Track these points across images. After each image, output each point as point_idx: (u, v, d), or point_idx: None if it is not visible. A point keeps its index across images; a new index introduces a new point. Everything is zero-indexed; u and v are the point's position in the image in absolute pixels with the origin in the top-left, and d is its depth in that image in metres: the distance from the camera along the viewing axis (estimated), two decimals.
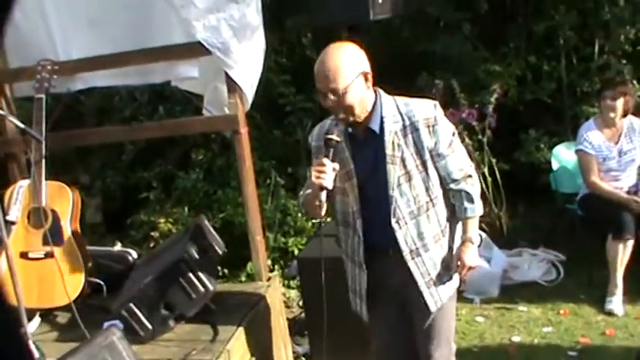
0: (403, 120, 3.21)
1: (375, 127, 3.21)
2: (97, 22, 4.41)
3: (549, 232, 6.42)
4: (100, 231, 6.87)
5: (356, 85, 3.08)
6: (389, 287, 3.42)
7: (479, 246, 5.57)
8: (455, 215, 3.41)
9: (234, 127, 4.39)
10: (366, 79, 3.14)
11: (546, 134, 6.83)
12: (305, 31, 6.95)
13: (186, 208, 6.32)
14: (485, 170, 6.41)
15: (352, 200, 3.27)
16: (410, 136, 3.20)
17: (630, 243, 5.31)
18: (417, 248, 3.28)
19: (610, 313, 5.27)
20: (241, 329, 3.93)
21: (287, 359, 4.55)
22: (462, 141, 6.26)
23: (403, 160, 3.20)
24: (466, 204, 3.35)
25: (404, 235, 3.25)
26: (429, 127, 3.20)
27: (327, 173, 3.05)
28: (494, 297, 5.69)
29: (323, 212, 3.19)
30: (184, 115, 6.16)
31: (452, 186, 3.33)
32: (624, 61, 6.93)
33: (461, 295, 5.62)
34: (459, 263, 3.38)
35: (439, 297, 3.37)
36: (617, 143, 5.59)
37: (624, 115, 5.56)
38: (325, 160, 3.07)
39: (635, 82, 6.56)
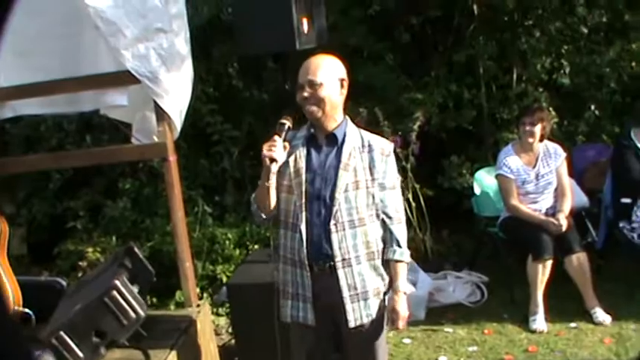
0: (362, 141, 3.49)
1: (339, 135, 3.47)
2: (25, 50, 4.39)
3: (473, 254, 6.61)
4: (26, 262, 6.77)
5: (332, 84, 3.42)
6: (322, 303, 3.47)
7: None
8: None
9: (163, 154, 4.43)
10: (342, 86, 3.46)
11: (468, 160, 7.03)
12: (231, 61, 7.03)
13: (114, 238, 6.28)
14: (410, 196, 6.56)
15: (297, 196, 3.41)
16: (366, 154, 3.46)
17: (549, 263, 5.50)
18: (349, 258, 3.39)
19: (533, 331, 5.44)
20: (173, 354, 3.95)
21: None
22: None
23: (355, 170, 3.42)
24: (395, 247, 3.49)
25: (339, 240, 3.38)
26: (382, 154, 3.47)
27: (277, 147, 3.30)
28: (421, 319, 5.79)
29: (273, 201, 3.42)
30: (112, 144, 6.16)
31: (385, 221, 3.48)
32: (541, 89, 7.21)
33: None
34: (393, 315, 3.49)
35: (360, 316, 3.44)
36: (534, 167, 5.80)
37: (541, 139, 5.78)
38: (276, 137, 3.34)
39: (551, 109, 6.82)
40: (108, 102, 4.57)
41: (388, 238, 3.50)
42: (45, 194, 6.96)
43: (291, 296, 3.51)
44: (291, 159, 3.44)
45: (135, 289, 4.00)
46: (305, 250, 3.40)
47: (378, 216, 3.47)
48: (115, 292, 3.87)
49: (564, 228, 5.57)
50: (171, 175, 4.44)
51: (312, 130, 3.50)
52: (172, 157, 4.42)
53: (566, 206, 5.74)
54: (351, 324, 3.43)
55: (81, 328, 3.85)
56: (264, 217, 3.47)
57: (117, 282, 3.90)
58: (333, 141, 3.47)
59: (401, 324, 3.51)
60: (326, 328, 3.53)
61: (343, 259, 3.39)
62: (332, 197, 3.39)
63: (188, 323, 4.32)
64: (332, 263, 3.40)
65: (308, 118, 3.46)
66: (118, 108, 4.64)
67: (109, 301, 3.86)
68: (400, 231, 3.52)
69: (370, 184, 3.44)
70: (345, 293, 3.41)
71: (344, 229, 3.39)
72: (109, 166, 6.76)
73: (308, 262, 3.40)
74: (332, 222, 3.38)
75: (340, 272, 3.40)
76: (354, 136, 3.48)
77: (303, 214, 3.40)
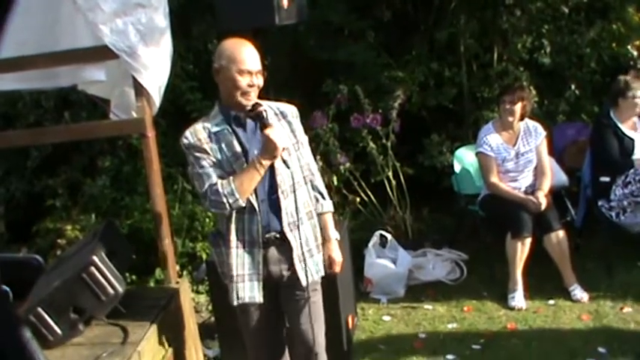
0: (274, 110, 3.61)
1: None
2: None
3: (453, 232, 6.63)
4: (4, 240, 6.72)
5: None
6: (270, 277, 3.60)
7: (384, 247, 5.76)
8: None
9: (141, 130, 4.39)
10: None
11: (448, 139, 7.04)
12: (211, 38, 6.97)
13: (93, 215, 6.24)
14: (390, 174, 6.56)
15: None
16: (283, 121, 3.59)
17: (528, 241, 5.52)
18: (294, 221, 3.54)
19: (512, 308, 5.47)
20: (152, 331, 3.93)
21: None
22: (367, 145, 6.44)
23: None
24: (321, 200, 3.74)
25: (285, 207, 3.52)
26: (293, 116, 3.64)
27: (284, 135, 3.44)
28: (401, 296, 5.83)
29: None
30: (90, 121, 6.11)
31: (309, 177, 3.68)
32: (521, 68, 7.21)
33: (368, 296, 5.79)
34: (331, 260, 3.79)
35: (311, 273, 3.61)
36: (514, 145, 5.81)
37: (521, 118, 5.79)
38: (276, 126, 3.45)
39: (531, 88, 6.82)
40: (86, 77, 4.52)
41: (312, 193, 3.71)
42: (23, 172, 6.90)
43: (239, 279, 3.56)
44: (223, 145, 3.47)
45: (113, 266, 3.97)
46: (260, 227, 3.50)
47: (307, 176, 3.66)
48: (93, 268, 3.84)
49: (543, 206, 5.59)
50: (149, 152, 4.40)
51: (234, 112, 3.53)
52: (151, 133, 4.38)
53: (546, 185, 5.76)
54: (304, 282, 3.57)
55: (59, 305, 3.82)
56: (242, 203, 3.45)
57: (95, 258, 3.87)
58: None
59: (337, 268, 3.79)
60: (272, 302, 3.69)
61: (289, 223, 3.54)
62: (272, 168, 3.48)
63: (167, 300, 4.29)
64: (281, 231, 3.54)
65: (245, 102, 3.47)
66: (96, 83, 4.59)
67: (86, 277, 3.83)
68: (320, 182, 3.78)
69: (296, 146, 3.59)
70: (296, 252, 3.56)
71: (287, 195, 3.53)
72: (87, 143, 6.71)
73: (262, 238, 3.51)
74: (279, 191, 3.50)
75: (289, 235, 3.54)
76: (267, 107, 3.56)
77: (254, 193, 3.47)
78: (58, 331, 3.81)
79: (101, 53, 4.23)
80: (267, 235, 3.53)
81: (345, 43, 7.16)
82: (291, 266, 3.58)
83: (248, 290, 3.56)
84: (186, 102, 6.70)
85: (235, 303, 3.60)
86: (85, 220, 6.18)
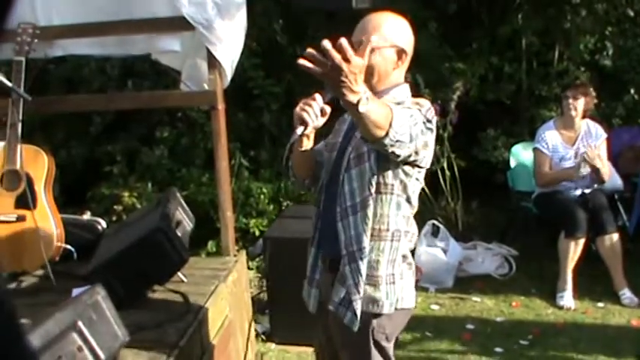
0: None
1: None
2: None
3: (503, 228, 6.62)
4: (58, 204, 6.79)
5: (382, 51, 2.74)
6: None
7: (436, 237, 5.75)
8: None
9: (212, 103, 4.44)
10: (399, 58, 2.77)
11: (504, 134, 7.02)
12: (276, 17, 7.00)
13: (149, 184, 6.32)
14: (445, 164, 6.57)
15: None
16: None
17: (582, 242, 5.51)
18: None
19: (561, 307, 5.46)
20: (212, 301, 3.98)
21: (250, 335, 4.62)
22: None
23: None
24: None
25: None
26: None
27: (312, 108, 2.56)
28: (449, 287, 5.85)
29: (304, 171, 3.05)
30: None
31: None
32: (582, 69, 7.17)
33: (417, 284, 5.78)
34: None
35: None
36: (573, 145, 5.78)
37: (583, 116, 5.75)
38: (317, 95, 2.60)
39: (591, 89, 6.78)
40: (160, 47, 4.57)
41: None
42: (85, 138, 6.97)
43: None
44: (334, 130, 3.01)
45: (178, 233, 4.03)
46: None
47: None
48: (160, 235, 3.88)
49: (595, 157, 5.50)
50: (218, 124, 4.45)
51: None
52: (221, 106, 4.44)
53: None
54: None
55: (123, 268, 3.86)
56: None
57: (163, 224, 3.92)
58: None
59: None
60: None
61: None
62: None
63: (226, 272, 4.35)
64: None
65: None
66: (169, 54, 4.64)
67: (152, 243, 3.88)
68: None
69: None
70: None
71: None
72: (147, 113, 6.77)
73: None
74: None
75: None
76: None
77: None
78: (121, 293, 3.86)
79: (177, 24, 4.29)
80: None
81: None
82: None
83: None
84: (249, 79, 6.73)
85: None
86: (141, 187, 6.25)
